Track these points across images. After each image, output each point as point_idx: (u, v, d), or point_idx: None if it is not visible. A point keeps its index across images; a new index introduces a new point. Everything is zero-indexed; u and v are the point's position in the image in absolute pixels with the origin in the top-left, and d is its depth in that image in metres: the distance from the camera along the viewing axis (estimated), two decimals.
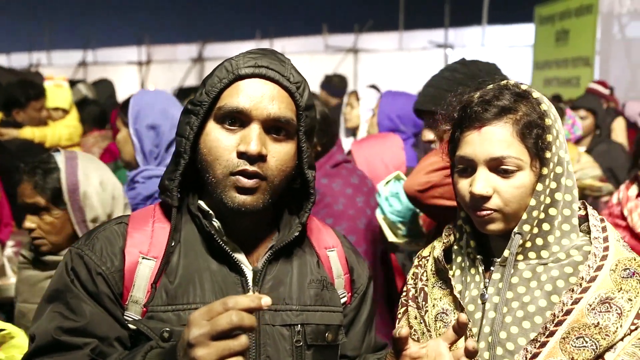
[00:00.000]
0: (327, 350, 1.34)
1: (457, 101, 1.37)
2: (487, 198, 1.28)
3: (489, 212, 1.29)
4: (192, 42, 19.49)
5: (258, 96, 1.23)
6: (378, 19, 17.42)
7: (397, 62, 15.34)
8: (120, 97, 10.55)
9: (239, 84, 1.24)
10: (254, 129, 1.22)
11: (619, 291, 1.23)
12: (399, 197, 2.41)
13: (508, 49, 14.61)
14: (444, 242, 1.45)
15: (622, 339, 1.20)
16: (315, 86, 8.54)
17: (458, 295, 1.35)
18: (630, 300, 1.22)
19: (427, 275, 1.47)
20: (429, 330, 1.39)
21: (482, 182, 1.28)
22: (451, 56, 15.40)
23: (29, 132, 4.44)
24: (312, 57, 16.44)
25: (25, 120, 4.41)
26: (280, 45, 17.80)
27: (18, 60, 22.34)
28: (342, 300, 1.41)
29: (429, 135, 2.21)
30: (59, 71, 19.59)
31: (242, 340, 0.95)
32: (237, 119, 1.23)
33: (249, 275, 1.28)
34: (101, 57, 20.98)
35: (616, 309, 1.21)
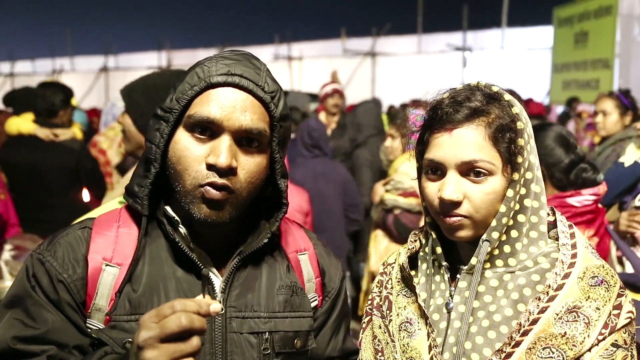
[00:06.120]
0: (296, 357, 1.32)
1: (424, 102, 1.33)
2: (457, 204, 1.23)
3: (458, 218, 1.24)
4: (212, 47, 19.64)
5: (230, 106, 1.19)
6: (396, 22, 17.39)
7: (415, 66, 15.28)
8: None
9: (210, 92, 1.20)
10: (225, 140, 1.18)
11: (586, 300, 1.18)
12: None
13: (527, 51, 14.48)
14: (409, 249, 1.40)
15: (589, 350, 1.15)
16: None
17: (422, 304, 1.31)
18: (598, 309, 1.17)
19: (392, 283, 1.43)
20: (393, 340, 1.35)
21: (452, 186, 1.22)
22: (470, 59, 15.31)
23: (79, 133, 4.53)
24: (330, 61, 16.43)
25: (65, 121, 4.44)
26: (298, 49, 17.85)
27: (42, 66, 22.71)
28: (313, 304, 1.38)
29: None
30: (81, 76, 19.90)
31: (194, 342, 0.96)
32: (208, 128, 1.19)
33: (217, 282, 1.26)
34: (122, 62, 21.25)
35: (584, 318, 1.17)
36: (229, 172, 1.18)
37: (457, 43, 15.49)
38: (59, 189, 4.15)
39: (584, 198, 2.27)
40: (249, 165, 1.21)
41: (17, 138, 4.16)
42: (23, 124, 4.15)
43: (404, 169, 3.74)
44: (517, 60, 14.47)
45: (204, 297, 1.02)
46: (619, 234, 2.97)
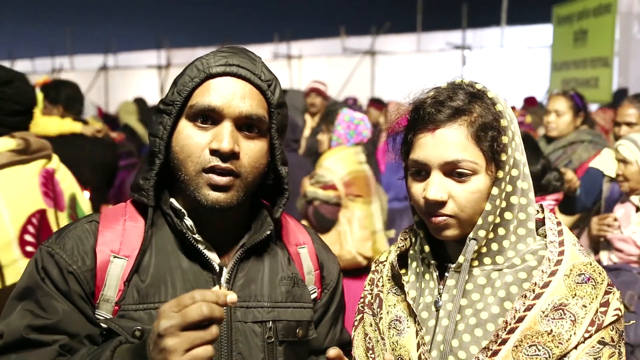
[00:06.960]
0: (298, 346, 1.36)
1: (409, 102, 1.33)
2: (442, 204, 1.23)
3: (444, 218, 1.24)
4: (211, 46, 19.59)
5: (229, 94, 1.24)
6: (396, 20, 17.35)
7: (414, 64, 15.25)
8: None
9: (210, 83, 1.25)
10: (226, 126, 1.23)
11: (573, 297, 1.18)
12: None
13: (526, 49, 14.45)
14: (399, 247, 1.41)
15: (575, 347, 1.16)
16: (333, 89, 8.47)
17: (412, 302, 1.32)
18: (584, 306, 1.17)
19: (382, 281, 1.44)
20: (383, 338, 1.35)
21: (437, 187, 1.23)
22: (469, 57, 15.30)
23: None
24: (329, 59, 16.43)
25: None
26: (298, 47, 17.82)
27: (41, 65, 22.69)
28: (313, 296, 1.42)
29: None
30: (81, 75, 19.87)
31: (213, 330, 0.99)
32: (209, 117, 1.24)
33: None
34: (122, 61, 21.23)
35: (570, 316, 1.17)
36: (231, 156, 1.22)
37: (456, 41, 15.46)
38: (101, 184, 4.36)
39: (547, 203, 2.31)
40: (252, 149, 1.26)
41: (61, 137, 4.03)
42: (66, 123, 4.14)
43: (327, 164, 3.95)
44: (516, 58, 14.43)
45: (220, 288, 1.05)
46: (591, 238, 3.01)
